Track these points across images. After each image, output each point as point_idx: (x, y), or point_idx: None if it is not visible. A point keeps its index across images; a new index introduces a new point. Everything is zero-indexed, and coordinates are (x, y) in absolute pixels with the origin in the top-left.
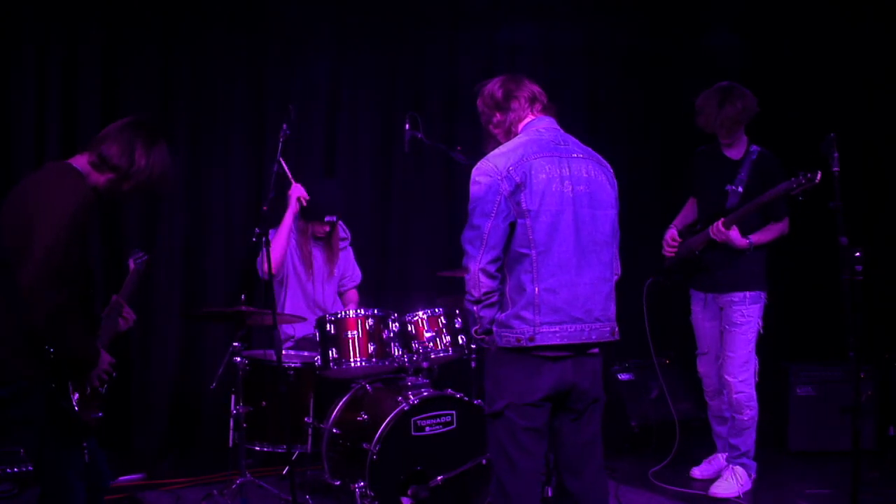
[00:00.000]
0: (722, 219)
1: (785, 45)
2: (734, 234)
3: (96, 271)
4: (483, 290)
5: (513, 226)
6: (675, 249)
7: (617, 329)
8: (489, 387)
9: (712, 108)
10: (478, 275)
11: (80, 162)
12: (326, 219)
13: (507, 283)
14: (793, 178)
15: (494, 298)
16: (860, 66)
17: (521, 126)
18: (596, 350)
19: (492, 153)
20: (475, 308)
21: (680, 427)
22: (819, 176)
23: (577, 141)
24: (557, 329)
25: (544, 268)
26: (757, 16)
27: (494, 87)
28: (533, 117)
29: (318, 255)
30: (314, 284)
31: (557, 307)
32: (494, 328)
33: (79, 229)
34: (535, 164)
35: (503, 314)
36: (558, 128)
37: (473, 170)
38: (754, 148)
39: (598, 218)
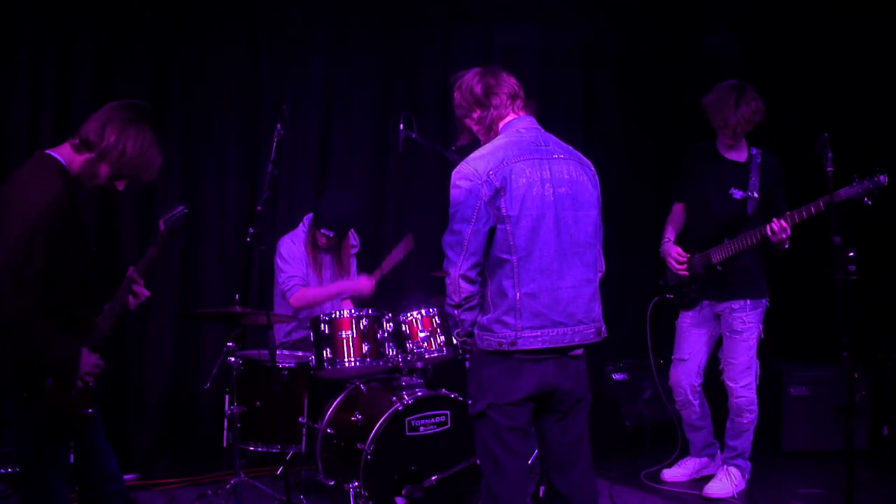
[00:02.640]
0: (777, 219)
1: (784, 45)
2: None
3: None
4: (463, 296)
5: (493, 230)
6: (685, 266)
7: (603, 328)
8: (472, 388)
9: (728, 107)
10: (458, 280)
11: (65, 149)
12: (323, 231)
13: (489, 287)
14: (855, 184)
15: (475, 302)
16: (860, 66)
17: (501, 125)
18: (579, 352)
19: (471, 156)
20: (456, 312)
21: (667, 428)
22: (885, 179)
23: (558, 140)
24: (539, 333)
25: (525, 273)
26: (756, 16)
27: (473, 81)
28: (514, 116)
29: (327, 262)
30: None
31: (538, 312)
32: (476, 331)
33: (46, 228)
34: (516, 168)
35: (485, 318)
36: (539, 127)
37: (453, 173)
38: (755, 150)
39: (580, 219)
